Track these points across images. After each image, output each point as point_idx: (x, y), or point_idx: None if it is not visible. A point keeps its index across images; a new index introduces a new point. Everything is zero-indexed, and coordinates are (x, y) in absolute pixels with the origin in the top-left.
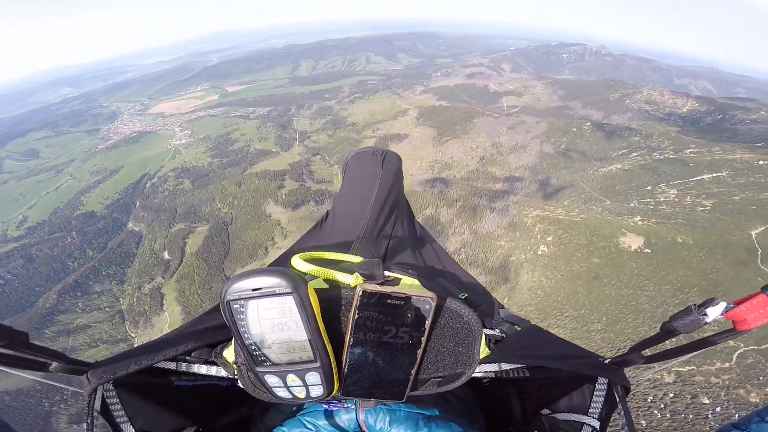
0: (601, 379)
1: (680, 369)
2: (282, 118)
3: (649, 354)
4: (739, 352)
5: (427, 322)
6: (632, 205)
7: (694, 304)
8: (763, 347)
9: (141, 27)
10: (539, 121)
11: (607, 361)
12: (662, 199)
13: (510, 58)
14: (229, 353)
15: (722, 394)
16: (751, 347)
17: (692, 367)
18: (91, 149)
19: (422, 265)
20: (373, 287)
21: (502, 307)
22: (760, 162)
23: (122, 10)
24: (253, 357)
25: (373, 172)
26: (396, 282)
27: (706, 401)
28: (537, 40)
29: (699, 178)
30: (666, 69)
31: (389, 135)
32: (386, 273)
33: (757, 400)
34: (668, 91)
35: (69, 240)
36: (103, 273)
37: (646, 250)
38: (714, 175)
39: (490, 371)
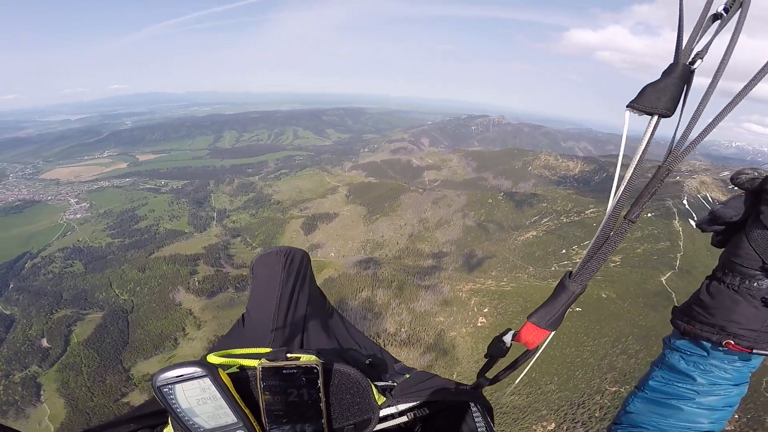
0: (472, 404)
1: None
2: (198, 194)
3: (491, 376)
4: None
5: (319, 381)
6: (553, 269)
7: (497, 336)
8: None
9: (48, 81)
10: (459, 194)
11: (467, 388)
12: (577, 261)
13: (428, 132)
14: (168, 431)
15: None
16: None
17: None
18: None
19: (334, 346)
20: (269, 364)
21: (397, 362)
22: (649, 215)
23: (27, 59)
24: (188, 427)
25: (276, 273)
26: (296, 360)
27: None
28: (449, 114)
29: None
30: (554, 133)
31: (318, 214)
32: (289, 355)
33: None
34: (560, 155)
35: None
36: None
37: (578, 309)
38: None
39: (396, 414)
